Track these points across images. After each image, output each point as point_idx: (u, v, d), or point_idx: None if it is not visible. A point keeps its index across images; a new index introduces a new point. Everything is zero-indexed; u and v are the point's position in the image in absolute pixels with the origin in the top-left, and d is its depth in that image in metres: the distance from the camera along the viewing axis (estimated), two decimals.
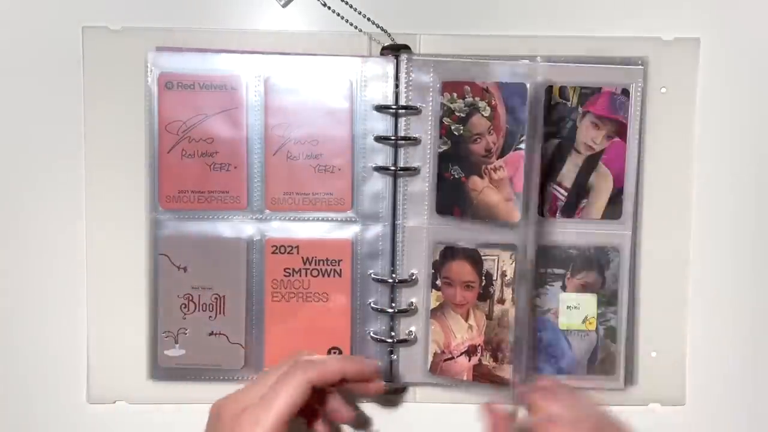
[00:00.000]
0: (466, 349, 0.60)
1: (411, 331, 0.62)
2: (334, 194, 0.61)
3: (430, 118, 0.60)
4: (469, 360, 0.60)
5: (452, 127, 0.59)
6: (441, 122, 0.60)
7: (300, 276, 0.61)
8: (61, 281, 0.62)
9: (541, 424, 0.53)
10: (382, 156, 0.61)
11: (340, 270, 0.61)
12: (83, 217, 0.62)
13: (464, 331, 0.60)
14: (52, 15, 0.61)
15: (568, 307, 0.62)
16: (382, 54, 0.61)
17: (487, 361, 0.59)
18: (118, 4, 0.61)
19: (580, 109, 0.61)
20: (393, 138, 0.61)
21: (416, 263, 0.62)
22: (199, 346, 0.61)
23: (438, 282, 0.61)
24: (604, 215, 0.61)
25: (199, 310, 0.61)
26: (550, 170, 0.61)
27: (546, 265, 0.62)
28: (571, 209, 0.61)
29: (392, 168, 0.61)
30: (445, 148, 0.60)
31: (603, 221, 0.62)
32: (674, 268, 0.63)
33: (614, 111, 0.61)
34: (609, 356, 0.62)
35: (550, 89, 0.61)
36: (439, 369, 0.61)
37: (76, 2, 0.61)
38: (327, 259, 0.61)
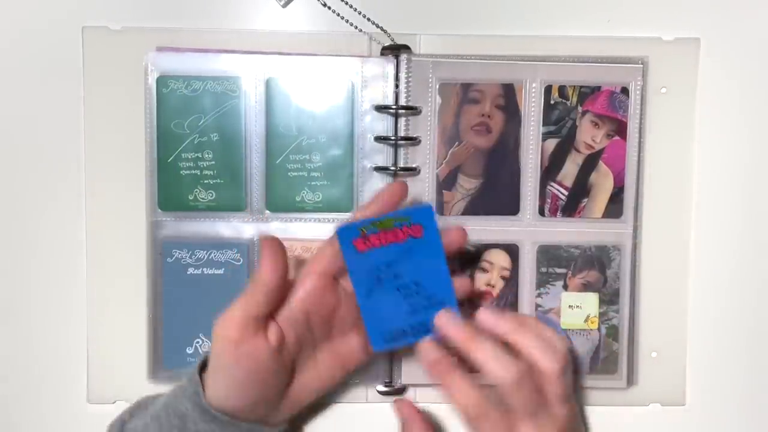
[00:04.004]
0: None
1: None
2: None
3: (429, 118, 0.61)
4: None
5: None
6: None
7: None
8: (61, 281, 0.62)
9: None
10: (382, 156, 0.61)
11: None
12: (83, 216, 0.61)
13: None
14: (52, 15, 0.61)
15: (569, 307, 0.62)
16: (382, 54, 0.61)
17: None
18: (118, 4, 0.61)
19: (579, 108, 0.61)
20: (393, 138, 0.61)
21: None
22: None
23: None
24: (605, 214, 0.62)
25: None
26: (550, 169, 0.61)
27: (547, 265, 0.62)
28: (571, 208, 0.61)
29: (392, 168, 0.61)
30: None
31: (604, 220, 0.62)
32: (675, 267, 0.63)
33: (614, 110, 0.61)
34: (611, 355, 0.62)
35: (549, 89, 0.61)
36: None
37: (76, 2, 0.61)
38: None
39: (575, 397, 0.55)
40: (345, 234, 0.52)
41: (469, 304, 0.61)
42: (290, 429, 0.58)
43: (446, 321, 0.53)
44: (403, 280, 0.53)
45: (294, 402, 0.56)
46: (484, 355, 0.51)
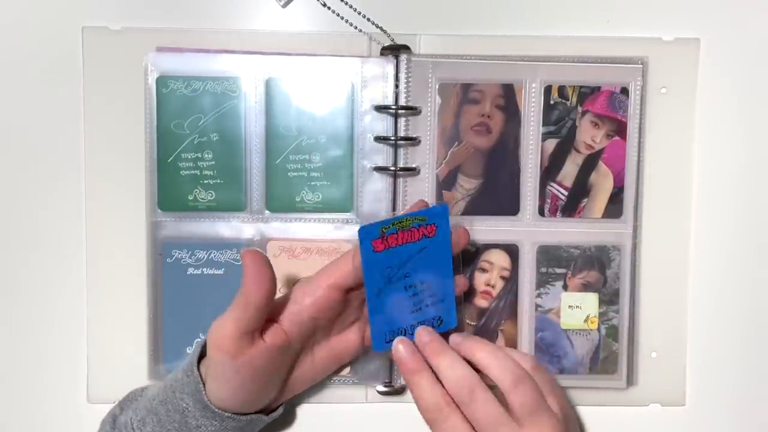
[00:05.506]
0: None
1: None
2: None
3: (429, 118, 0.60)
4: None
5: None
6: None
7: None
8: (61, 281, 0.62)
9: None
10: (382, 156, 0.61)
11: None
12: (83, 217, 0.61)
13: None
14: (52, 15, 0.61)
15: (569, 307, 0.62)
16: (382, 54, 0.61)
17: None
18: (118, 4, 0.61)
19: (579, 108, 0.61)
20: (393, 138, 0.61)
21: None
22: None
23: None
24: (605, 214, 0.62)
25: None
26: (550, 169, 0.61)
27: (547, 265, 0.62)
28: (571, 208, 0.61)
29: (392, 168, 0.61)
30: None
31: (604, 220, 0.62)
32: (674, 267, 0.63)
33: (614, 110, 0.61)
34: (611, 356, 0.62)
35: (549, 89, 0.61)
36: None
37: (76, 2, 0.61)
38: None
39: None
40: (366, 234, 0.52)
41: (468, 304, 0.62)
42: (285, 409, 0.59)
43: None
44: (411, 279, 0.54)
45: (289, 391, 0.58)
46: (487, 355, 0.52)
